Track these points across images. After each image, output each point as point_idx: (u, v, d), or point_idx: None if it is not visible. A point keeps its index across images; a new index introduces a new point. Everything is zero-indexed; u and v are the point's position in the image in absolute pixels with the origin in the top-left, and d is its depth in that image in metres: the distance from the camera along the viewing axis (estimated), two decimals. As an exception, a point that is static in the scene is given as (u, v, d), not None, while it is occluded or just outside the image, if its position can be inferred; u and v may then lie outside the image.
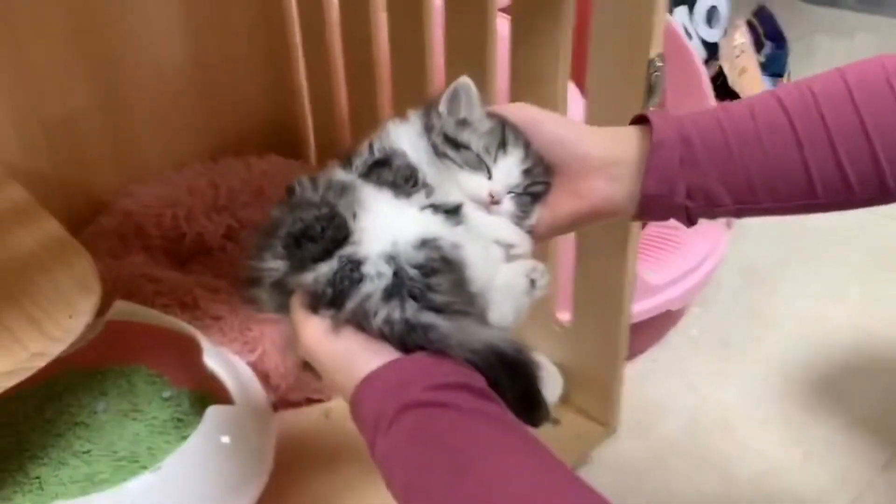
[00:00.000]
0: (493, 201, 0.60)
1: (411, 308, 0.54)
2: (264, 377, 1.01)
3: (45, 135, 1.17)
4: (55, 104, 1.16)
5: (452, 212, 0.59)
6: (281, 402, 1.04)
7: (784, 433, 1.14)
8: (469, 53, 0.99)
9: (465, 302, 0.55)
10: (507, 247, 0.61)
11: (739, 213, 0.60)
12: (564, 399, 1.05)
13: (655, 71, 0.78)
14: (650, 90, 0.78)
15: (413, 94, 1.09)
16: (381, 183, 0.59)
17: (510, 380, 0.54)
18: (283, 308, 0.60)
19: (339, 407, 1.03)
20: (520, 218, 0.62)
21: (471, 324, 0.55)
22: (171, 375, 1.04)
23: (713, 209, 0.59)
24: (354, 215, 0.57)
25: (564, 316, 1.06)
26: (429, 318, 0.54)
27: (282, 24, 1.32)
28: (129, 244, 1.20)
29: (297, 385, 1.03)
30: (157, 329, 1.01)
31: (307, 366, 0.59)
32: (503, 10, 0.95)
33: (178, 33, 1.26)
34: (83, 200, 1.24)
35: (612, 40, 0.80)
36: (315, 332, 0.55)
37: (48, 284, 0.81)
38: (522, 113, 0.64)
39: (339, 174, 0.61)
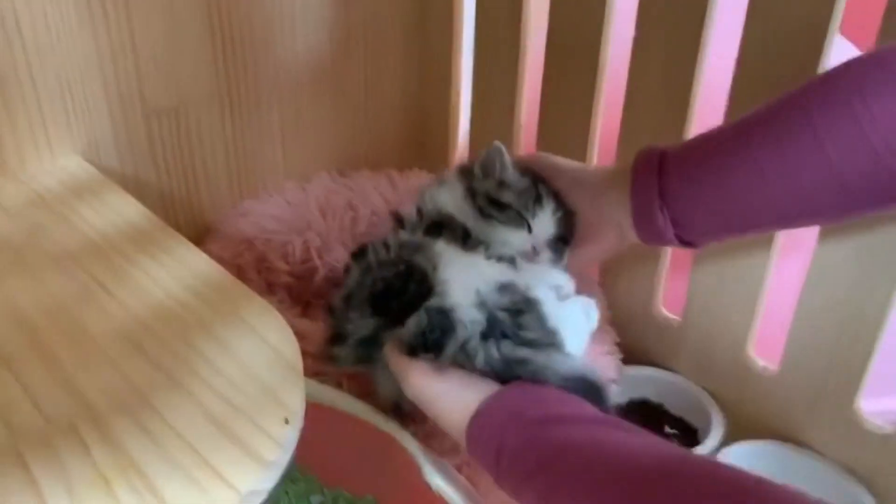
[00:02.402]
0: (535, 252, 0.67)
1: (506, 346, 0.59)
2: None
3: (147, 129, 0.87)
4: (163, 91, 0.87)
5: (510, 263, 0.65)
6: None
7: None
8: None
9: (548, 335, 0.61)
10: (557, 288, 0.65)
11: (741, 233, 0.65)
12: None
13: None
14: None
15: (660, 120, 0.82)
16: (446, 241, 0.65)
17: (594, 402, 0.58)
18: (365, 361, 0.65)
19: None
20: (555, 261, 0.69)
21: (556, 354, 0.61)
22: (318, 468, 0.76)
23: (712, 234, 0.64)
24: (434, 268, 0.61)
25: (872, 405, 0.78)
26: (523, 353, 0.59)
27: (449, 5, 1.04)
28: (249, 281, 0.90)
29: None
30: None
31: (396, 410, 0.66)
32: None
33: (325, 17, 0.98)
34: (185, 217, 0.95)
35: None
36: (421, 373, 0.60)
37: (232, 366, 0.52)
38: (543, 161, 0.73)
39: (405, 235, 0.68)
